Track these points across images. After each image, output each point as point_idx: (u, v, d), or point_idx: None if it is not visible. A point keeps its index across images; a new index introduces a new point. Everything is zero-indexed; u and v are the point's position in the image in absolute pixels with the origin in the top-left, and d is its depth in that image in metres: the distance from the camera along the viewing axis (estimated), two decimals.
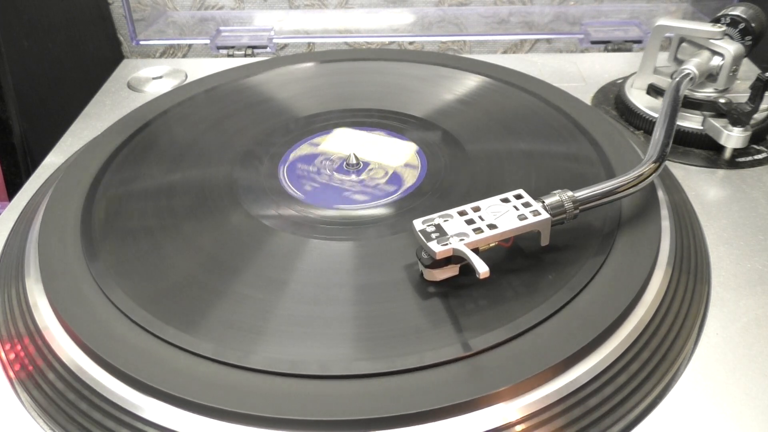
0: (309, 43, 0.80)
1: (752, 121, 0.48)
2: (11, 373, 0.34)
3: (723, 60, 0.50)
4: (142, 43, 0.74)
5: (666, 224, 0.39)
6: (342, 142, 0.48)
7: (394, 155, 0.46)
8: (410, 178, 0.44)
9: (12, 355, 0.35)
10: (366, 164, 0.46)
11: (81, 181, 0.44)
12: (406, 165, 0.45)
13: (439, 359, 0.31)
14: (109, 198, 0.43)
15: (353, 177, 0.45)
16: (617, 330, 0.33)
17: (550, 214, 0.36)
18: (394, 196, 0.43)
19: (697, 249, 0.40)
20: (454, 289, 0.35)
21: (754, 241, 0.41)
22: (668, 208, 0.41)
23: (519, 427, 0.30)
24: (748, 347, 0.35)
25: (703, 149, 0.50)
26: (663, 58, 0.55)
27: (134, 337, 0.33)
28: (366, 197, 0.43)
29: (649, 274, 0.36)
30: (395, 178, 0.44)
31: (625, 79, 0.58)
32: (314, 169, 0.46)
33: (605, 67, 0.63)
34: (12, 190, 0.59)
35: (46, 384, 0.33)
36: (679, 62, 0.52)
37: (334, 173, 0.45)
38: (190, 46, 0.81)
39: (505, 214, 0.35)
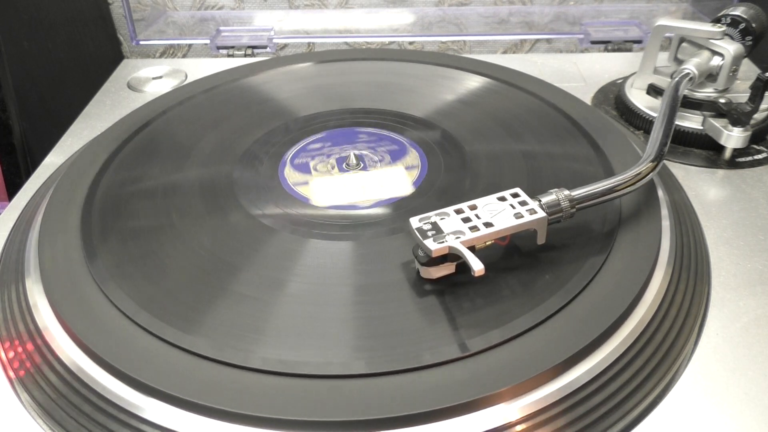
0: (309, 43, 0.80)
1: (752, 121, 0.48)
2: (11, 373, 0.34)
3: (723, 60, 0.50)
4: (142, 43, 0.74)
5: (666, 224, 0.39)
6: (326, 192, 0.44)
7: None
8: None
9: (12, 355, 0.35)
10: (365, 162, 0.46)
11: (81, 181, 0.44)
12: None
13: (439, 359, 0.31)
14: (109, 198, 0.43)
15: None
16: (617, 330, 0.33)
17: (547, 212, 0.36)
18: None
19: (697, 249, 0.40)
20: (453, 288, 0.35)
21: (754, 241, 0.41)
22: (668, 208, 0.41)
23: (519, 427, 0.30)
24: (748, 347, 0.35)
25: (703, 149, 0.50)
26: (663, 58, 0.55)
27: (134, 337, 0.33)
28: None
29: (649, 274, 0.36)
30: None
31: (625, 79, 0.58)
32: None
33: (605, 67, 0.63)
34: (12, 190, 0.59)
35: (46, 384, 0.33)
36: (679, 62, 0.52)
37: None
38: (190, 46, 0.81)
39: (502, 212, 0.35)
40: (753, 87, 0.48)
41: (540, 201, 0.36)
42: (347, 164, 0.46)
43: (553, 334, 0.32)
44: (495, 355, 0.31)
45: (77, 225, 0.40)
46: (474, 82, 0.55)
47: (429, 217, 0.35)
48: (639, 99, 0.54)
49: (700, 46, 0.52)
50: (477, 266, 0.32)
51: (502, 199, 0.37)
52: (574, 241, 0.37)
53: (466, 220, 0.35)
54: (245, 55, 0.70)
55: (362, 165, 0.46)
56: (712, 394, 0.32)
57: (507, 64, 0.58)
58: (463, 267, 0.34)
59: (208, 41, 0.72)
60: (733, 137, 0.47)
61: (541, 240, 0.36)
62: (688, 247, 0.39)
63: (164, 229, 0.40)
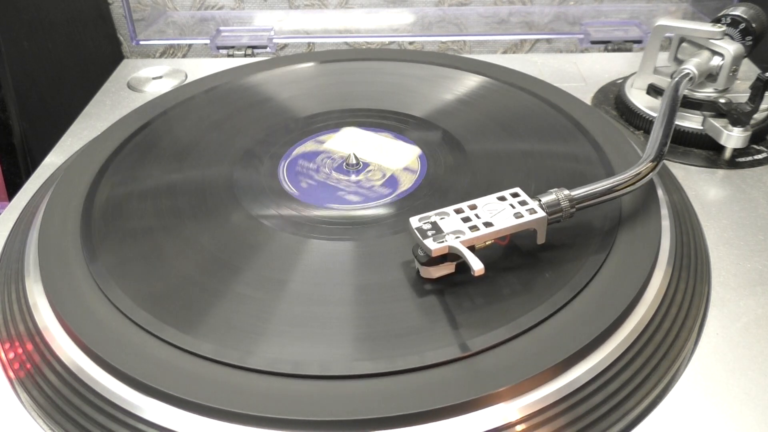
0: (309, 43, 0.80)
1: (752, 121, 0.48)
2: (11, 373, 0.34)
3: (723, 60, 0.50)
4: (142, 43, 0.74)
5: (666, 224, 0.39)
6: (347, 141, 0.49)
7: (396, 158, 0.46)
8: (409, 179, 0.44)
9: (12, 355, 0.35)
10: (366, 164, 0.46)
11: (81, 181, 0.44)
12: (406, 168, 0.45)
13: (439, 359, 0.31)
14: (109, 198, 0.43)
15: (352, 177, 0.45)
16: (617, 330, 0.33)
17: (546, 212, 0.36)
18: (394, 196, 0.43)
19: (697, 249, 0.40)
20: (453, 287, 0.35)
21: (754, 241, 0.41)
22: (668, 208, 0.41)
23: (519, 427, 0.30)
24: (748, 347, 0.35)
25: (703, 149, 0.50)
26: (663, 58, 0.55)
27: (134, 337, 0.33)
28: (362, 198, 0.43)
29: (649, 273, 0.36)
30: (391, 181, 0.44)
31: (625, 79, 0.58)
32: (314, 168, 0.46)
33: (605, 67, 0.63)
34: (12, 190, 0.59)
35: (46, 384, 0.33)
36: (679, 62, 0.52)
37: (333, 173, 0.45)
38: (190, 46, 0.81)
39: (502, 212, 0.35)
40: (753, 87, 0.48)
41: (540, 201, 0.36)
42: (347, 164, 0.46)
43: (553, 334, 0.32)
44: (495, 355, 0.31)
45: (77, 225, 0.40)
46: (474, 82, 0.55)
47: (429, 217, 0.35)
48: (639, 99, 0.54)
49: (700, 46, 0.52)
50: (477, 266, 0.32)
51: (502, 198, 0.37)
52: (574, 241, 0.37)
53: (466, 219, 0.35)
54: (245, 55, 0.70)
55: (362, 165, 0.46)
56: (712, 394, 0.32)
57: (507, 64, 0.58)
58: (463, 267, 0.34)
59: (208, 41, 0.72)
60: (733, 137, 0.47)
61: (540, 240, 0.36)
62: (688, 247, 0.39)
63: (164, 229, 0.40)
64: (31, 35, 0.63)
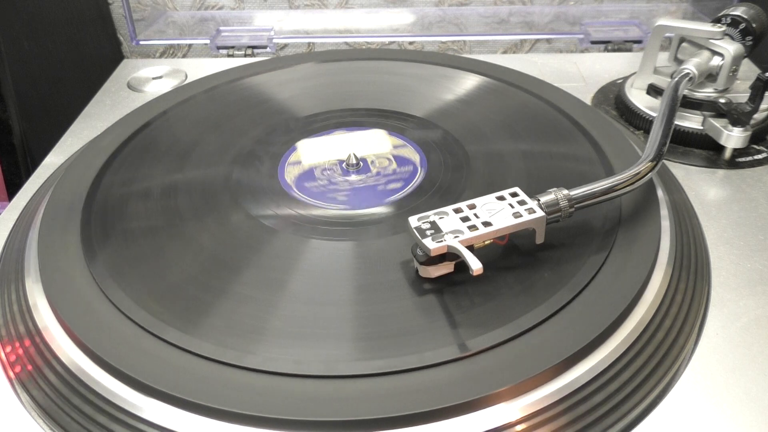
0: (309, 43, 0.80)
1: (752, 121, 0.48)
2: (11, 374, 0.34)
3: (723, 60, 0.50)
4: (142, 43, 0.74)
5: (666, 224, 0.39)
6: (314, 151, 0.47)
7: (377, 144, 0.47)
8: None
9: (12, 356, 0.35)
10: (365, 161, 0.46)
11: (81, 181, 0.44)
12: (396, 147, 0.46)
13: (439, 359, 0.31)
14: (109, 198, 0.43)
15: (353, 177, 0.45)
16: (617, 330, 0.33)
17: (545, 212, 0.36)
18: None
19: (697, 249, 0.40)
20: (452, 287, 0.35)
21: (754, 241, 0.41)
22: (668, 208, 0.41)
23: (519, 427, 0.30)
24: (748, 347, 0.35)
25: (703, 149, 0.50)
26: (663, 58, 0.55)
27: (134, 337, 0.33)
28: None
29: (649, 273, 0.36)
30: (402, 160, 0.46)
31: (625, 79, 0.58)
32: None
33: (605, 67, 0.63)
34: (12, 190, 0.59)
35: (46, 384, 0.33)
36: (679, 62, 0.52)
37: (334, 173, 0.45)
38: (190, 46, 0.81)
39: (501, 211, 0.35)
40: (753, 87, 0.48)
41: (539, 200, 0.36)
42: (347, 164, 0.46)
43: (553, 334, 0.32)
44: (495, 355, 0.31)
45: (77, 225, 0.40)
46: (474, 82, 0.55)
47: (428, 216, 0.35)
48: (639, 99, 0.54)
49: (700, 46, 0.52)
50: (475, 265, 0.32)
51: (501, 198, 0.37)
52: (574, 241, 0.37)
53: (465, 219, 0.35)
54: (245, 55, 0.70)
55: (362, 165, 0.46)
56: (712, 394, 0.32)
57: (507, 64, 0.58)
58: (462, 266, 0.34)
59: (208, 41, 0.72)
60: (733, 137, 0.47)
61: (539, 239, 0.36)
62: (688, 247, 0.39)
63: (164, 229, 0.40)
64: (31, 35, 0.63)
